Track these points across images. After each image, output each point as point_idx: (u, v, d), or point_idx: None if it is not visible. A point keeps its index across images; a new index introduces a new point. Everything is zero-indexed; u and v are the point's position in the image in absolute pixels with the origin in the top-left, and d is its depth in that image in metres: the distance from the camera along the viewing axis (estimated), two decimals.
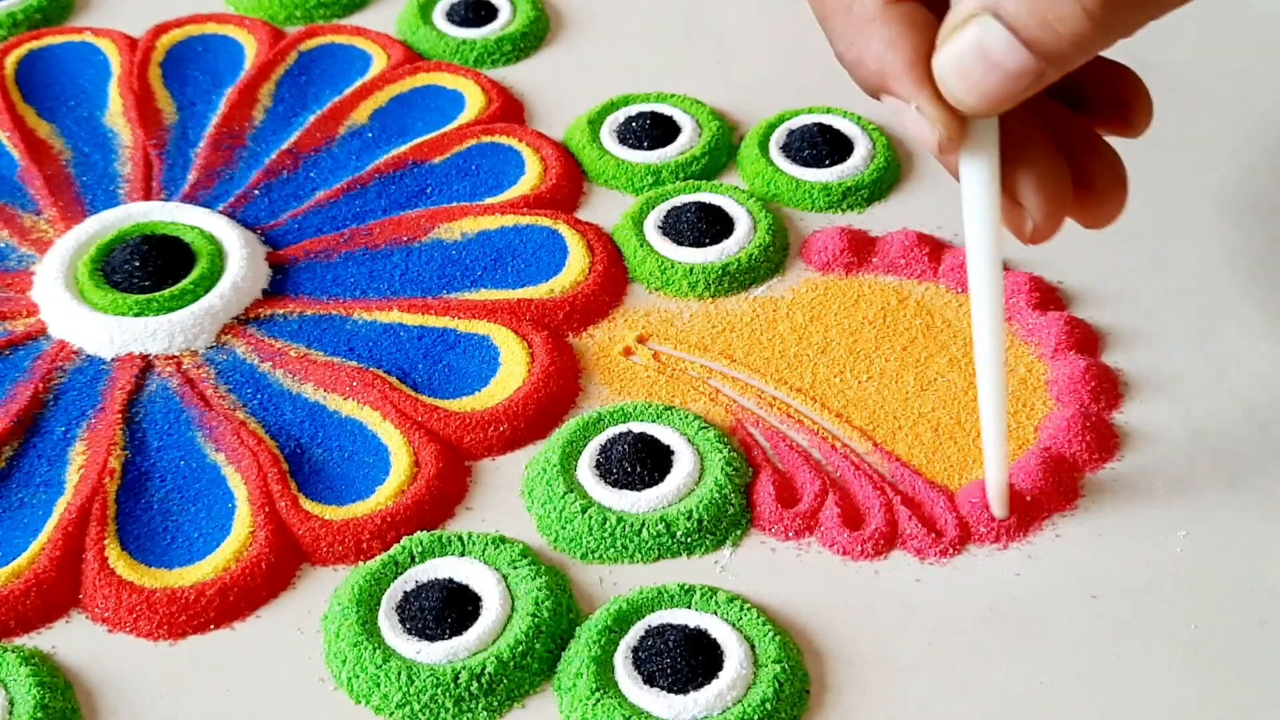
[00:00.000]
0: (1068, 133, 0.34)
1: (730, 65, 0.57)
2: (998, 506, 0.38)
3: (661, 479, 0.39)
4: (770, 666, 0.35)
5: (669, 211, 0.48)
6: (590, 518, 0.38)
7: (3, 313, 0.45)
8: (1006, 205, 0.33)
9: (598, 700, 0.34)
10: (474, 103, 0.54)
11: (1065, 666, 0.35)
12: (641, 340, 0.44)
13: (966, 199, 0.32)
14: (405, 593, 0.37)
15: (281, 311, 0.46)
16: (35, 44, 0.57)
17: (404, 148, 0.52)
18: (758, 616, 0.36)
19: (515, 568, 0.37)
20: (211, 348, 0.44)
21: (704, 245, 0.46)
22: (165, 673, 0.36)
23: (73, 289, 0.45)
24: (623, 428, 0.41)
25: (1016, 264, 0.47)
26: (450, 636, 0.35)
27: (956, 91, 0.30)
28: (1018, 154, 0.32)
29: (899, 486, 0.40)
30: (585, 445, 0.40)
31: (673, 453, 0.40)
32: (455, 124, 0.53)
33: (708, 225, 0.47)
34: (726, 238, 0.47)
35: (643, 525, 0.38)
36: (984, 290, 0.34)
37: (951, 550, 0.38)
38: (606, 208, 0.50)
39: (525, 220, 0.48)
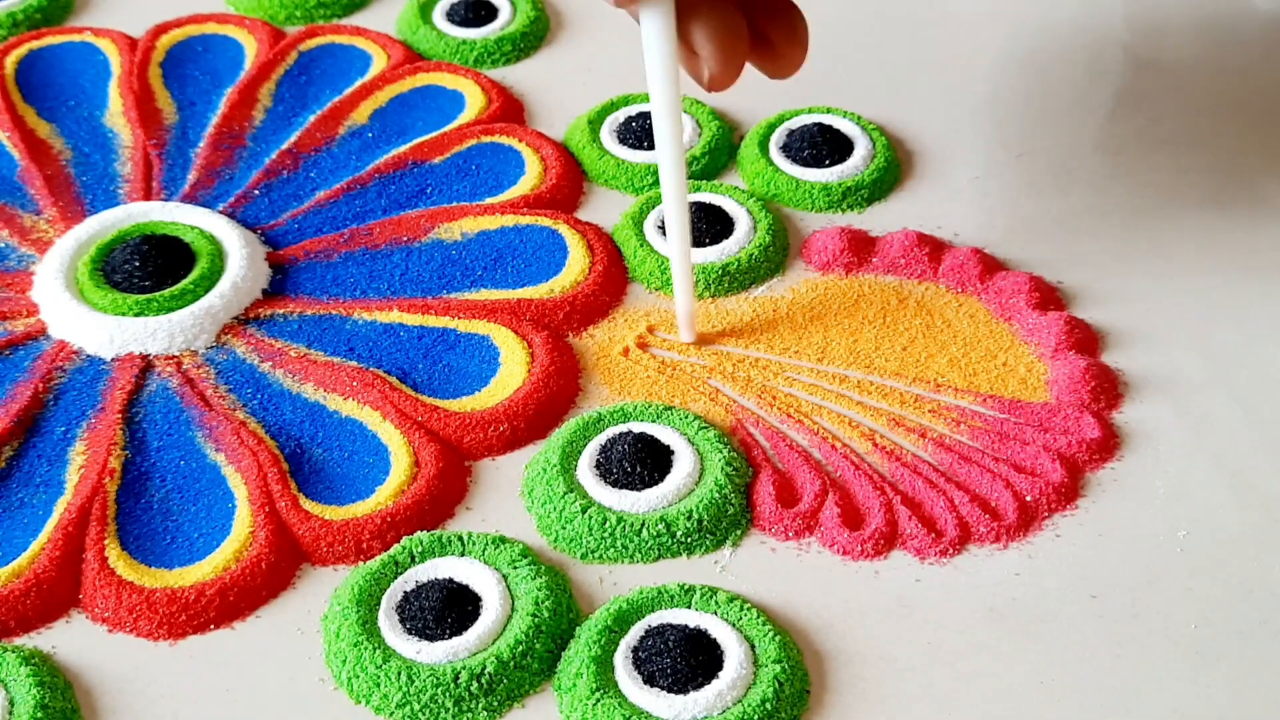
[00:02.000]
0: None
1: None
2: (685, 332, 0.43)
3: (661, 479, 0.39)
4: (770, 666, 0.35)
5: None
6: (590, 518, 0.38)
7: (3, 313, 0.45)
8: (685, 54, 0.36)
9: (598, 700, 0.34)
10: (474, 103, 0.54)
11: (1065, 666, 0.35)
12: (651, 330, 0.45)
13: (646, 46, 0.36)
14: (405, 593, 0.37)
15: (281, 311, 0.46)
16: (35, 44, 0.57)
17: (404, 148, 0.52)
18: (758, 616, 0.36)
19: (515, 568, 0.37)
20: (211, 348, 0.44)
21: (704, 245, 0.46)
22: (165, 673, 0.36)
23: (73, 289, 0.45)
24: (623, 428, 0.41)
25: (1016, 264, 0.47)
26: (450, 636, 0.35)
27: None
28: (692, 6, 0.35)
29: (899, 486, 0.40)
30: (585, 445, 0.40)
31: (673, 453, 0.40)
32: (455, 124, 0.53)
33: (708, 225, 0.47)
34: (726, 238, 0.47)
35: (643, 525, 0.38)
36: (665, 130, 0.38)
37: (951, 550, 0.38)
38: (606, 208, 0.50)
39: (525, 220, 0.48)
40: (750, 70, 0.56)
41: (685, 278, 0.42)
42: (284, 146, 0.52)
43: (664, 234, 0.47)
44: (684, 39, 0.36)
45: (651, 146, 0.51)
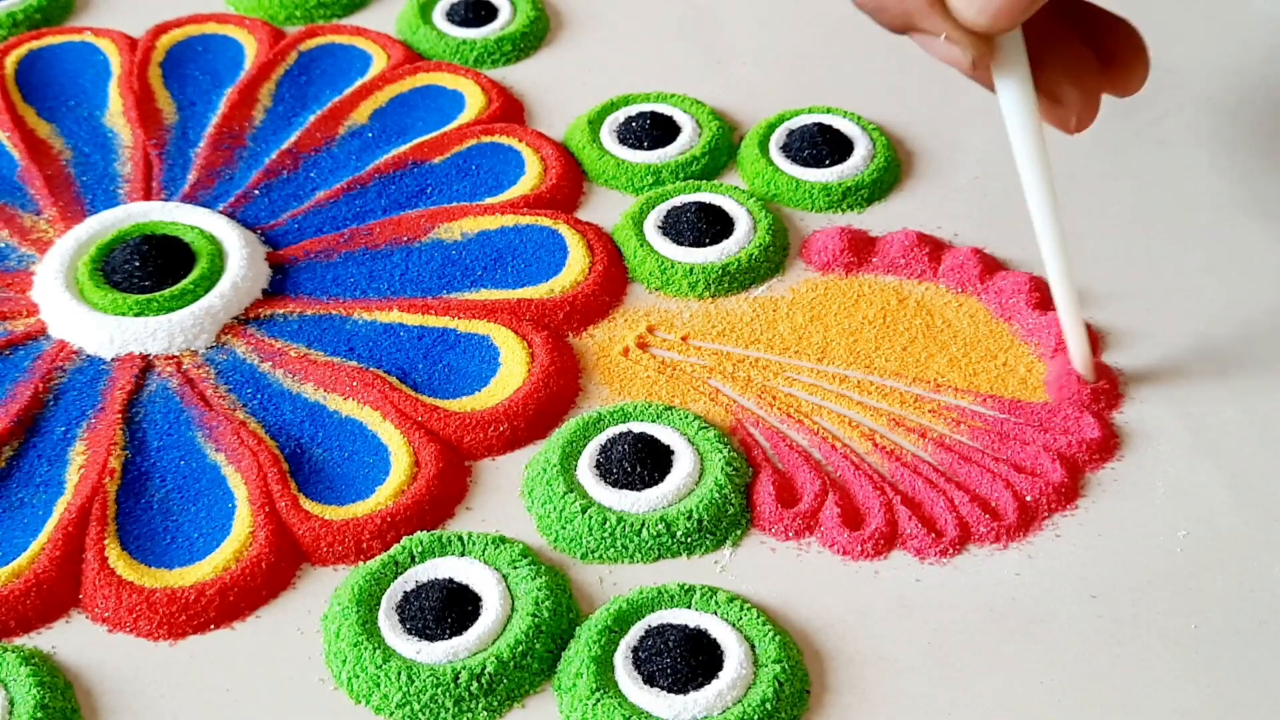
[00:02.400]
0: (1081, 18, 0.36)
1: (730, 65, 0.57)
2: (1086, 372, 0.41)
3: (661, 479, 0.39)
4: (770, 666, 0.35)
5: (669, 211, 0.48)
6: (590, 518, 0.38)
7: (3, 313, 0.45)
8: (1045, 105, 0.36)
9: (598, 700, 0.34)
10: (474, 103, 0.54)
11: (1065, 666, 0.35)
12: (651, 330, 0.45)
13: (1006, 110, 0.35)
14: (405, 593, 0.37)
15: (281, 311, 0.46)
16: (35, 44, 0.57)
17: (404, 148, 0.52)
18: (758, 616, 0.36)
19: (515, 568, 0.37)
20: (211, 348, 0.44)
21: (704, 245, 0.46)
22: (165, 673, 0.36)
23: (73, 289, 0.45)
24: (623, 428, 0.41)
25: (1016, 264, 0.47)
26: (450, 636, 0.35)
27: (968, 15, 0.32)
28: (1045, 56, 0.35)
29: (899, 486, 0.40)
30: (585, 445, 0.40)
31: (673, 453, 0.40)
32: (455, 124, 0.53)
33: (708, 225, 0.47)
34: (726, 238, 0.47)
35: (643, 525, 0.38)
36: (1038, 190, 0.37)
37: (951, 550, 0.38)
38: (606, 208, 0.50)
39: (525, 220, 0.48)
40: (750, 70, 0.57)
41: (1075, 323, 0.41)
42: (284, 146, 0.52)
43: (671, 239, 0.47)
44: (1044, 90, 0.35)
45: (651, 146, 0.51)
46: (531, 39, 0.58)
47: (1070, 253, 0.39)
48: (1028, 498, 0.39)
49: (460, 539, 0.38)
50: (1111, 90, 0.37)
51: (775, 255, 0.47)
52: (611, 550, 0.38)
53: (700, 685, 0.34)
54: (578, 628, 0.36)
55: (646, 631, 0.35)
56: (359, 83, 0.55)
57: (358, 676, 0.35)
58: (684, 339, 0.44)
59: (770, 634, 0.35)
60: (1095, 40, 0.36)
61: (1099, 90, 0.36)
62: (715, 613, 0.36)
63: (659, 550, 0.38)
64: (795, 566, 0.38)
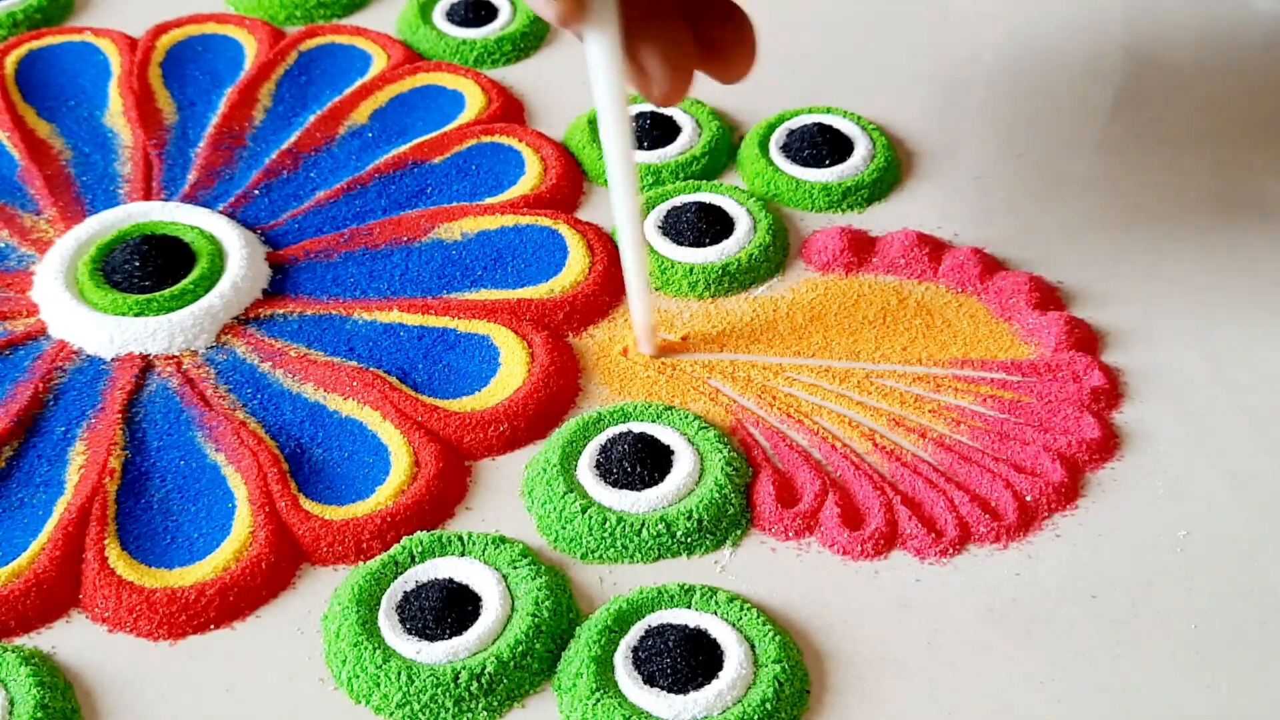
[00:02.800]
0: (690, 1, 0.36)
1: None
2: (645, 345, 0.43)
3: (661, 479, 0.39)
4: (770, 666, 0.35)
5: (669, 211, 0.48)
6: (590, 518, 0.38)
7: (3, 313, 0.45)
8: (635, 72, 0.36)
9: (598, 700, 0.34)
10: (474, 103, 0.54)
11: (1065, 666, 0.35)
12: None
13: (592, 66, 0.36)
14: (405, 593, 0.37)
15: (281, 311, 0.46)
16: (35, 44, 0.57)
17: (404, 148, 0.52)
18: (758, 616, 0.36)
19: (515, 568, 0.37)
20: (211, 348, 0.44)
21: (704, 245, 0.46)
22: (165, 673, 0.36)
23: (73, 289, 0.45)
24: (623, 428, 0.41)
25: (1016, 264, 0.47)
26: (450, 636, 0.35)
27: None
28: (639, 25, 0.35)
29: (899, 486, 0.40)
30: (585, 445, 0.40)
31: (673, 453, 0.40)
32: (455, 124, 0.53)
33: (708, 225, 0.47)
34: (726, 238, 0.47)
35: (643, 525, 0.38)
36: (615, 147, 0.37)
37: (951, 550, 0.38)
38: (606, 208, 0.49)
39: (525, 220, 0.48)
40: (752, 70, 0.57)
41: (642, 292, 0.42)
42: (284, 146, 0.52)
43: (671, 239, 0.47)
44: (632, 58, 0.36)
45: (651, 146, 0.51)
46: (531, 39, 0.58)
47: (641, 222, 0.40)
48: (1028, 498, 0.39)
49: (460, 539, 0.38)
50: (713, 75, 0.37)
51: (775, 255, 0.47)
52: (611, 550, 0.38)
53: (700, 685, 0.34)
54: (578, 628, 0.36)
55: (646, 631, 0.35)
56: (359, 83, 0.55)
57: (358, 676, 0.35)
58: (684, 339, 0.44)
59: (770, 634, 0.35)
60: (703, 24, 0.36)
61: (691, 70, 0.36)
62: (715, 613, 0.36)
63: (659, 550, 0.38)
64: (795, 566, 0.38)
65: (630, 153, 0.38)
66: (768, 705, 0.34)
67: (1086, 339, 0.44)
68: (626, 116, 0.37)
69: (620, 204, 0.39)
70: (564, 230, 0.48)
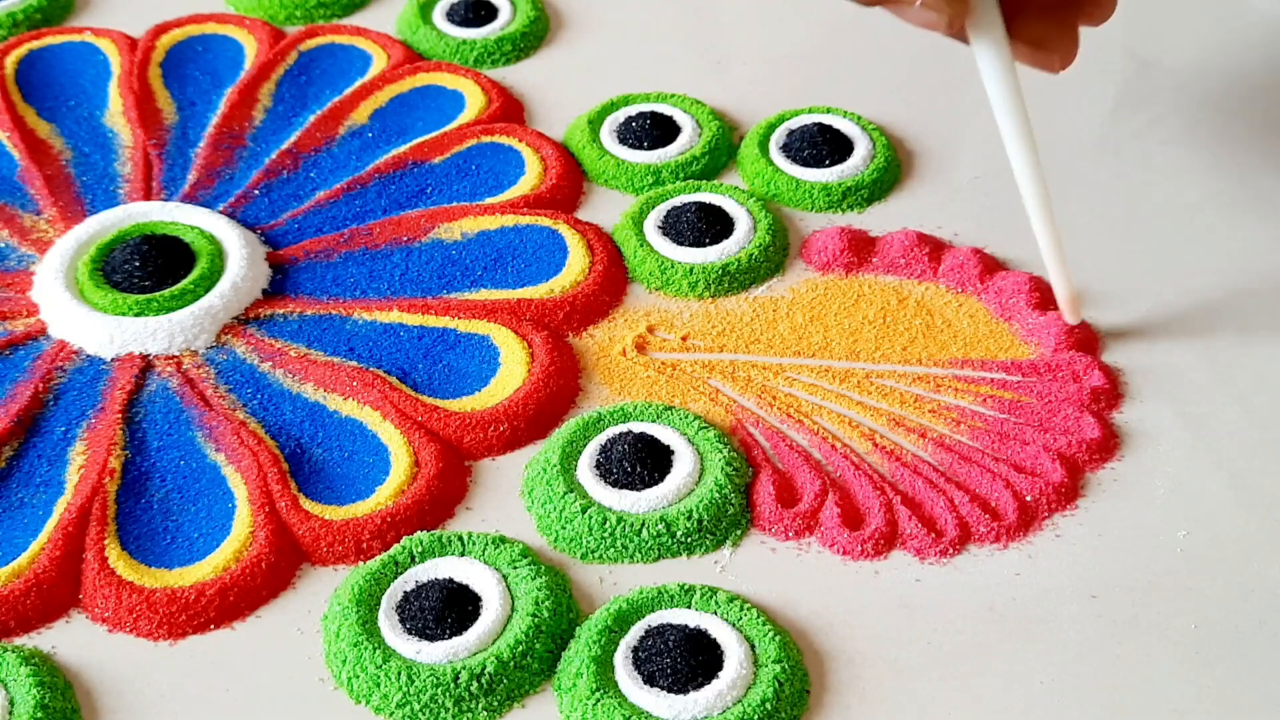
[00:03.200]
0: None
1: (730, 65, 0.57)
2: (1070, 314, 0.43)
3: (661, 479, 0.39)
4: (770, 666, 0.35)
5: (669, 211, 0.48)
6: (590, 518, 0.38)
7: (3, 313, 0.45)
8: (1027, 51, 0.36)
9: (598, 700, 0.34)
10: (474, 103, 0.54)
11: (1065, 666, 0.35)
12: (651, 330, 0.45)
13: (984, 62, 0.36)
14: (405, 593, 0.37)
15: (281, 311, 0.46)
16: (35, 44, 0.57)
17: (404, 148, 0.52)
18: (758, 616, 0.36)
19: (515, 568, 0.37)
20: (211, 348, 0.44)
21: (704, 245, 0.46)
22: (165, 673, 0.36)
23: (73, 289, 0.45)
24: (623, 428, 0.41)
25: (1016, 264, 0.47)
26: (450, 636, 0.35)
27: None
28: (1018, 3, 0.35)
29: (899, 486, 0.40)
30: (585, 445, 0.40)
31: (673, 453, 0.40)
32: (455, 124, 0.53)
33: (708, 225, 0.47)
34: (726, 238, 0.47)
35: (643, 525, 0.38)
36: (1016, 137, 0.38)
37: (951, 550, 0.38)
38: (606, 208, 0.50)
39: (525, 220, 0.48)
40: (750, 70, 0.57)
41: (1059, 264, 0.42)
42: (284, 146, 0.52)
43: (671, 239, 0.47)
44: (1023, 37, 0.36)
45: (651, 146, 0.51)
46: (531, 39, 0.58)
47: (1052, 203, 0.40)
48: (1028, 498, 0.39)
49: (460, 539, 0.38)
50: (1087, 20, 0.37)
51: (775, 255, 0.47)
52: (611, 550, 0.38)
53: (700, 685, 0.34)
54: (578, 628, 0.36)
55: (646, 631, 0.35)
56: (359, 83, 0.55)
57: (358, 676, 0.35)
58: (684, 339, 0.44)
59: (770, 634, 0.35)
60: None
61: (1075, 24, 0.37)
62: (715, 613, 0.36)
63: (659, 550, 0.38)
64: (795, 566, 0.38)
65: (1034, 143, 0.38)
66: (768, 705, 0.34)
67: (1086, 339, 0.44)
68: (1022, 103, 0.37)
69: (1030, 194, 0.40)
70: (564, 230, 0.48)
